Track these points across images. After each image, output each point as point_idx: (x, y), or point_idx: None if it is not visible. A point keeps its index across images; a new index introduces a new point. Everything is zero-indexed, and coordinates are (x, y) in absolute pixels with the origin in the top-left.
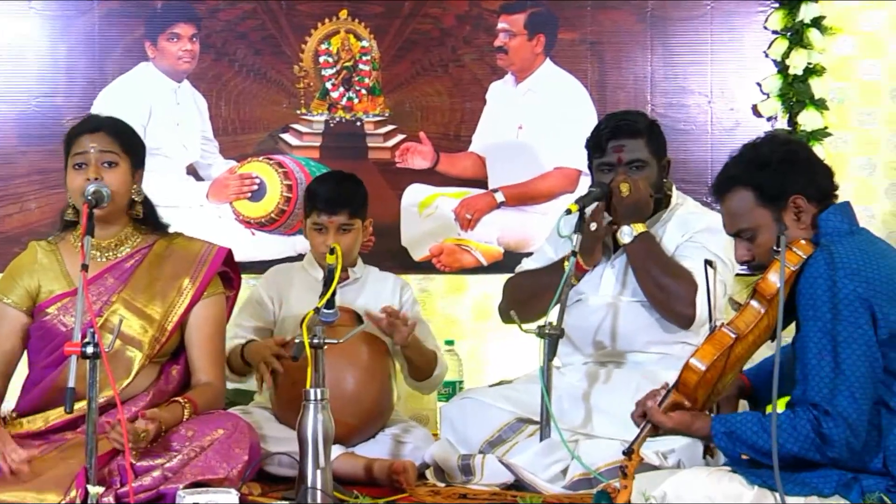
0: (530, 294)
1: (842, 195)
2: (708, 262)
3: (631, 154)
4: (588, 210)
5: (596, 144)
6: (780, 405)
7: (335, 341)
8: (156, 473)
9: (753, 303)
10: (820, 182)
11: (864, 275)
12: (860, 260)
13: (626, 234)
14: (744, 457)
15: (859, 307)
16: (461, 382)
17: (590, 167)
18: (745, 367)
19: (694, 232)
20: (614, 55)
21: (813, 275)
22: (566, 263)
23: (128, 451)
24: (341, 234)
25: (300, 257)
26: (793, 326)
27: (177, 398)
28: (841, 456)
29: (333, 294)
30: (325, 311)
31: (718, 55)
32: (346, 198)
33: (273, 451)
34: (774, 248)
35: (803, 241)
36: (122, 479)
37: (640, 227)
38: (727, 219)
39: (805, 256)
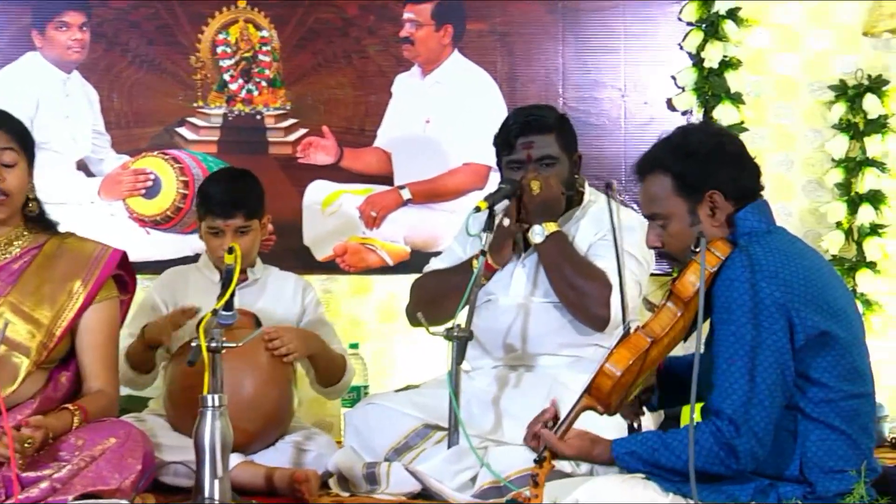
0: (438, 295)
1: None
2: (608, 185)
3: (540, 151)
4: (498, 208)
5: (504, 141)
6: (696, 411)
7: (233, 345)
8: (44, 485)
9: (669, 305)
10: (743, 181)
11: (782, 277)
12: (778, 262)
13: (538, 233)
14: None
15: (775, 312)
16: (366, 387)
17: (499, 165)
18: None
19: (608, 230)
20: (524, 47)
21: (730, 277)
22: (475, 263)
23: (13, 461)
24: (239, 237)
25: (198, 257)
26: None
27: (66, 405)
28: (746, 468)
29: (232, 296)
30: (224, 313)
31: (632, 47)
32: (241, 199)
33: (168, 461)
34: (693, 248)
35: (721, 242)
36: (7, 491)
37: (551, 227)
38: (643, 199)
39: (723, 257)
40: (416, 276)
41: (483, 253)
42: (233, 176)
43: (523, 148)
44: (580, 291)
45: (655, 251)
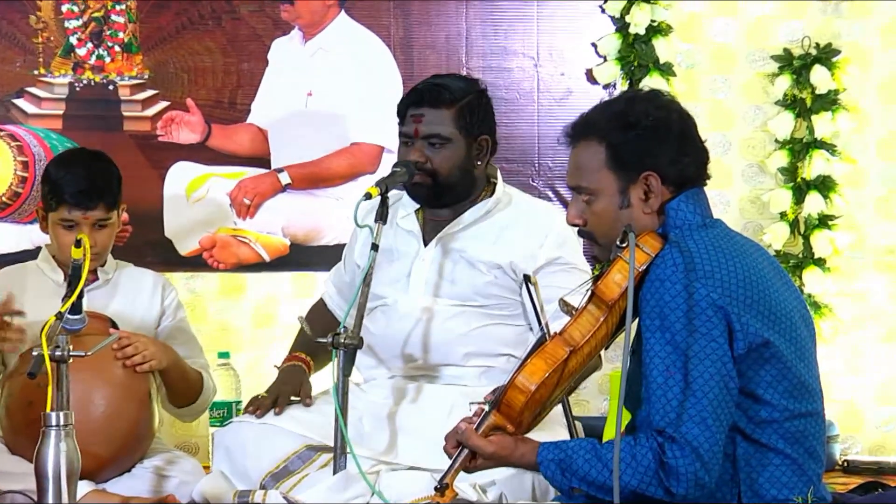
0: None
1: None
2: (527, 278)
3: (430, 127)
4: (391, 194)
5: (399, 110)
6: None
7: (82, 354)
8: None
9: (591, 308)
10: (685, 166)
11: (719, 278)
12: (715, 260)
13: None
14: (576, 490)
15: (713, 316)
16: (238, 403)
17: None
18: (585, 393)
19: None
20: (422, 8)
21: (660, 277)
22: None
23: None
24: (97, 231)
25: (39, 251)
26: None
27: None
28: (688, 493)
29: (80, 297)
30: (70, 317)
31: (546, 10)
32: (102, 187)
33: (4, 490)
34: (619, 243)
35: (651, 236)
36: None
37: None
38: (570, 168)
39: (652, 254)
40: (298, 273)
41: (375, 246)
42: (88, 159)
43: (413, 121)
44: None
45: (577, 229)
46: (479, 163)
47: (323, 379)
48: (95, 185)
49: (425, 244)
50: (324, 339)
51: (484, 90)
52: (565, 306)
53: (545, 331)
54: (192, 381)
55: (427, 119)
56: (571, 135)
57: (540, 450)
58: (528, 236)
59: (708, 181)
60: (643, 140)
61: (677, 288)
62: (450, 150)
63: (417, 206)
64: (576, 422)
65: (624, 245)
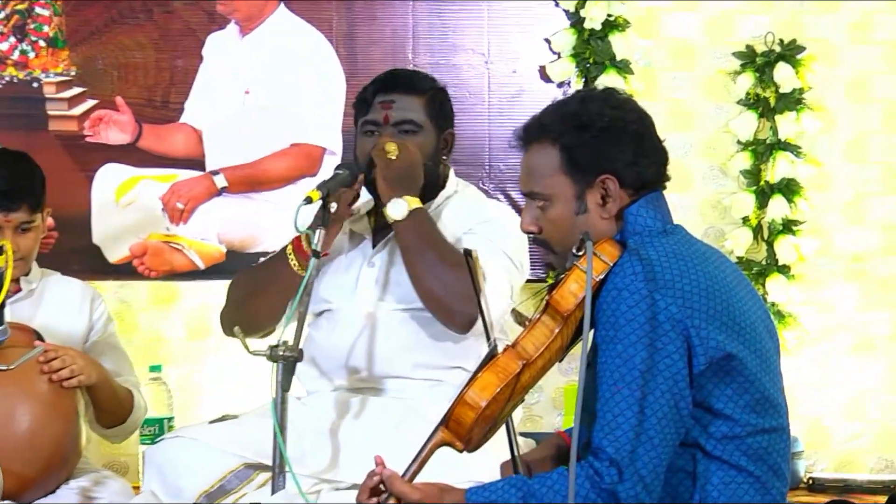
0: (247, 293)
1: None
2: (467, 253)
3: (401, 113)
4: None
5: (362, 99)
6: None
7: (4, 367)
8: None
9: (545, 319)
10: (644, 168)
11: (679, 288)
12: (676, 269)
13: (399, 207)
14: None
15: (671, 331)
16: (171, 419)
17: (356, 135)
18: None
19: (476, 222)
20: (367, 2)
21: (618, 287)
22: (289, 250)
23: None
24: (20, 235)
25: None
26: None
27: None
28: None
29: (2, 306)
30: None
31: (497, 5)
32: (24, 188)
33: None
34: (575, 251)
35: (608, 244)
36: None
37: (414, 202)
38: (523, 173)
39: (610, 263)
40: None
41: (316, 253)
42: (10, 159)
43: (382, 107)
44: (443, 282)
45: (530, 238)
46: (444, 158)
47: (257, 392)
48: (16, 185)
49: (374, 247)
50: (261, 352)
51: (444, 87)
52: (518, 317)
53: (483, 308)
54: (121, 399)
55: (399, 105)
56: (523, 138)
57: (468, 495)
58: (463, 222)
59: (667, 183)
60: (599, 141)
61: (635, 298)
62: (421, 138)
63: (370, 207)
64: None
65: (581, 253)
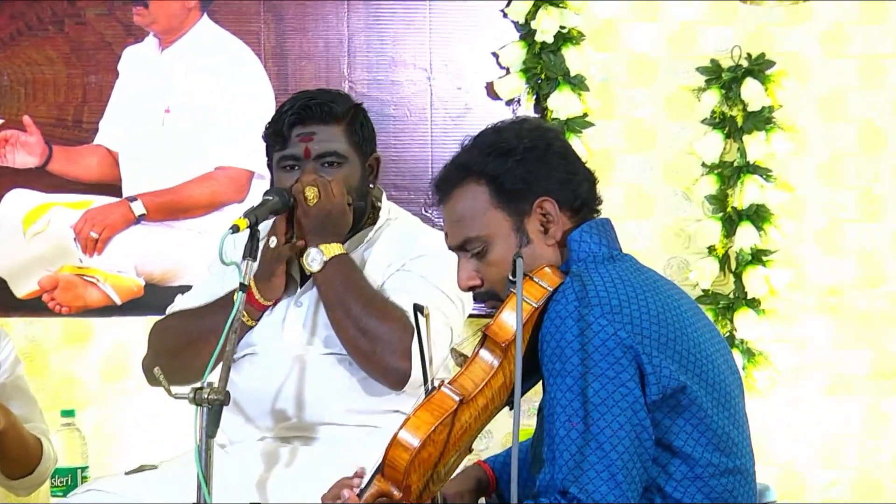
0: (184, 343)
1: (607, 205)
2: (418, 309)
3: (323, 145)
4: (263, 226)
5: (276, 132)
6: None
7: None
8: None
9: (484, 354)
10: (578, 185)
11: (627, 313)
12: (623, 293)
13: (315, 258)
14: None
15: (622, 357)
16: (85, 469)
17: (269, 166)
18: (487, 454)
19: (409, 258)
20: (297, 12)
21: (560, 314)
22: (235, 298)
23: None
24: None
25: None
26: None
27: None
28: None
29: None
30: None
31: (440, 15)
32: None
33: None
34: (510, 276)
35: (548, 269)
36: None
37: (334, 249)
38: (450, 227)
39: (550, 289)
40: (155, 317)
41: (244, 287)
42: None
43: (300, 140)
44: (372, 336)
45: (473, 293)
46: (371, 186)
47: (179, 441)
48: None
49: (302, 285)
50: (183, 395)
51: (361, 104)
52: (458, 357)
53: (427, 370)
54: (29, 448)
55: (319, 136)
56: (442, 188)
57: None
58: (395, 258)
59: (627, 209)
60: (526, 163)
61: (580, 326)
62: (346, 170)
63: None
64: None
65: (514, 278)
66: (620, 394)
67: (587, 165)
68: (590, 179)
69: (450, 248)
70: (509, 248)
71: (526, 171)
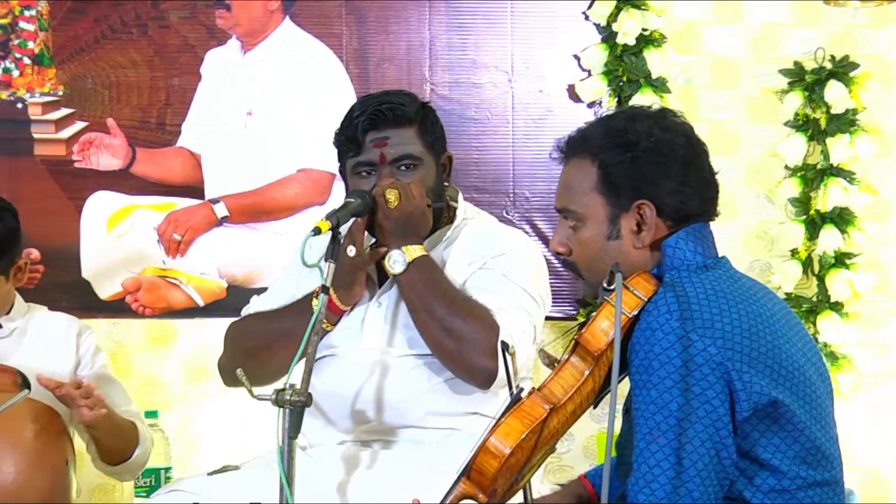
0: (262, 345)
1: None
2: (504, 347)
3: (398, 149)
4: (344, 229)
5: (349, 139)
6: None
7: None
8: None
9: (574, 360)
10: (687, 199)
11: (719, 328)
12: (716, 307)
13: (397, 260)
14: None
15: (709, 374)
16: (168, 469)
17: (342, 171)
18: (569, 456)
19: (490, 257)
20: (379, 14)
21: (651, 326)
22: (315, 302)
23: None
24: None
25: None
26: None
27: None
28: None
29: None
30: None
31: (522, 17)
32: None
33: None
34: (605, 285)
35: (643, 278)
36: None
37: (415, 251)
38: (559, 187)
39: (645, 298)
40: (235, 319)
41: (325, 289)
42: None
43: (375, 146)
44: (457, 336)
45: (560, 259)
46: (446, 184)
47: (260, 441)
48: None
49: (381, 286)
50: (266, 397)
51: (428, 103)
52: (546, 357)
53: (515, 395)
54: (125, 432)
55: (393, 141)
56: (564, 150)
57: None
58: (475, 257)
59: (715, 218)
60: (641, 163)
61: (670, 339)
62: (422, 171)
63: (373, 241)
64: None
65: (612, 287)
66: (704, 410)
67: (714, 178)
68: (706, 194)
69: (555, 206)
70: (599, 234)
71: (638, 170)
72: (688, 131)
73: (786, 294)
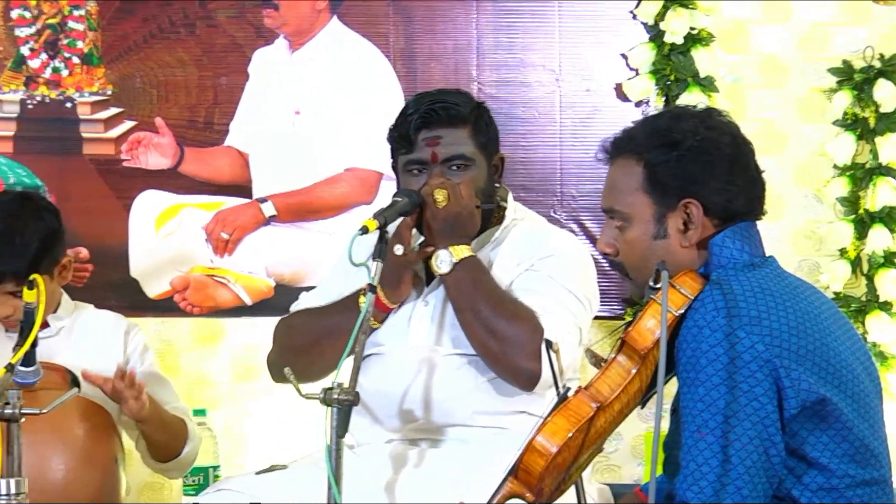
0: (309, 341)
1: None
2: (548, 344)
3: (450, 149)
4: (392, 228)
5: (402, 136)
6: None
7: (36, 411)
8: None
9: (621, 359)
10: (733, 197)
11: (766, 325)
12: (762, 304)
13: (444, 260)
14: None
15: (757, 371)
16: (216, 468)
17: (394, 168)
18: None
19: (537, 258)
20: (426, 13)
21: (698, 323)
22: (362, 300)
23: None
24: (11, 299)
25: None
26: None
27: None
28: None
29: (34, 345)
30: (22, 368)
31: (569, 16)
32: (9, 263)
33: None
34: (652, 283)
35: (689, 276)
36: None
37: (462, 251)
38: (605, 188)
39: (691, 297)
40: (283, 316)
41: (372, 288)
42: (8, 216)
43: (427, 145)
44: (501, 337)
45: (607, 259)
46: (497, 185)
47: (307, 440)
48: (3, 258)
49: (428, 284)
50: (314, 395)
51: (483, 103)
52: (593, 357)
53: (562, 395)
54: (174, 429)
55: (445, 140)
56: (609, 151)
57: None
58: (522, 258)
59: (762, 217)
60: (686, 162)
61: (717, 336)
62: (473, 172)
63: (420, 240)
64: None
65: (658, 286)
66: (752, 408)
67: (761, 176)
68: (752, 193)
69: (601, 206)
70: (646, 234)
71: (683, 169)
72: (733, 130)
73: (834, 294)
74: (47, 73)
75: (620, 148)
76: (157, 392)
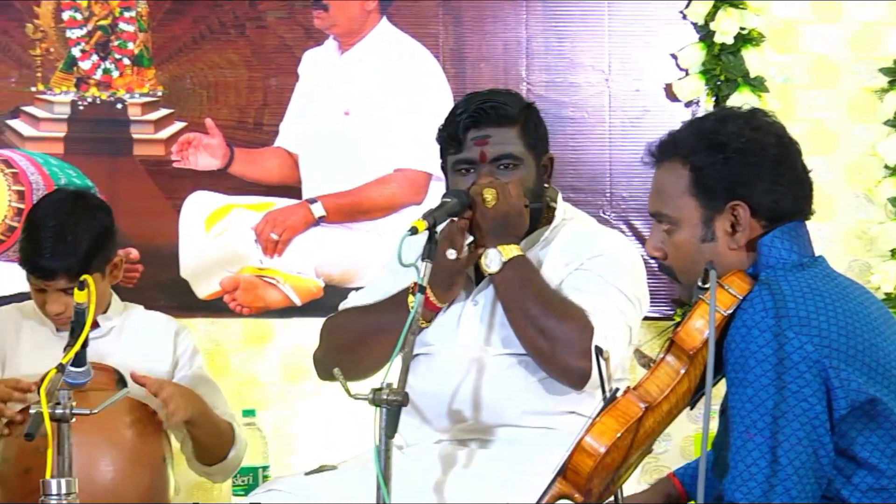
0: (357, 339)
1: None
2: (598, 351)
3: (499, 148)
4: (441, 228)
5: (451, 136)
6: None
7: (87, 412)
8: None
9: (670, 359)
10: (780, 198)
11: (815, 325)
12: (811, 304)
13: (493, 259)
14: None
15: (807, 372)
16: (266, 468)
17: (443, 168)
18: (666, 457)
19: (587, 258)
20: (476, 14)
21: (747, 324)
22: (411, 300)
23: None
24: (63, 296)
25: None
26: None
27: None
28: None
29: (84, 345)
30: (73, 369)
31: (619, 16)
32: (62, 260)
33: None
34: (700, 283)
35: (738, 276)
36: None
37: (512, 250)
38: (652, 192)
39: (740, 297)
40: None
41: (422, 288)
42: (61, 214)
43: (475, 144)
44: (551, 336)
45: (656, 262)
46: (546, 186)
47: (356, 441)
48: (56, 255)
49: (477, 284)
50: (363, 396)
51: (533, 103)
52: (641, 357)
53: (611, 395)
54: (222, 432)
55: (494, 139)
56: (655, 154)
57: None
58: (572, 258)
59: (810, 217)
60: (733, 164)
61: (766, 337)
62: (522, 172)
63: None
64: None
65: (706, 286)
66: (801, 408)
67: (808, 176)
68: (799, 193)
69: (648, 210)
70: (694, 237)
71: (730, 171)
72: (779, 130)
73: (885, 294)
74: (98, 75)
75: (666, 151)
76: (207, 395)
